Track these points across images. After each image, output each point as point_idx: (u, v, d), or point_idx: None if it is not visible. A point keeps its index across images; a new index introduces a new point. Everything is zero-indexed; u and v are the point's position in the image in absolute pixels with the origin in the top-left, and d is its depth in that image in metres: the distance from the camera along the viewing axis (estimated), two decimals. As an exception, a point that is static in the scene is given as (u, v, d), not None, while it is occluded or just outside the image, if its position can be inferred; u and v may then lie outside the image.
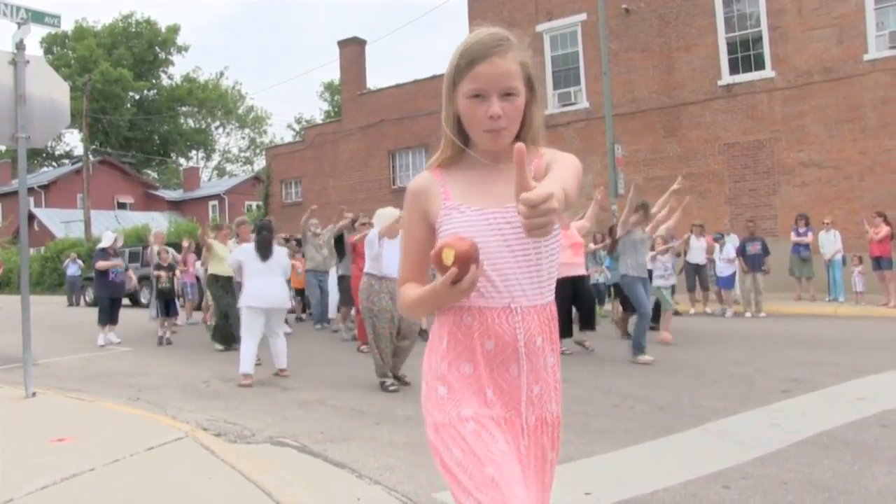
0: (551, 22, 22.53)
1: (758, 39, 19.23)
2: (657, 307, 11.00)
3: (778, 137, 18.71)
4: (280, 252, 8.75)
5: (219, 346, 11.30)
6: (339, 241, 12.68)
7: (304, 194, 27.39)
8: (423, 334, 10.82)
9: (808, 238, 15.89)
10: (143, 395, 7.69)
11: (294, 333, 12.65)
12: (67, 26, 58.55)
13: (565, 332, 9.90)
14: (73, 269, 26.58)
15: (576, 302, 10.15)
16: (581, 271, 10.19)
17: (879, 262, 14.57)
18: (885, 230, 14.52)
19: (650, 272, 10.38)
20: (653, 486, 4.30)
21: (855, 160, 17.67)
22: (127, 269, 13.30)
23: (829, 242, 15.84)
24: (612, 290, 13.91)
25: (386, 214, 7.94)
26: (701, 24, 19.94)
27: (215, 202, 51.41)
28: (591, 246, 13.34)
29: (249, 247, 8.60)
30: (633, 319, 11.09)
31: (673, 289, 11.34)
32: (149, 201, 53.29)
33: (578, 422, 6.02)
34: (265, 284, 8.31)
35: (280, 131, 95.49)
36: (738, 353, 9.59)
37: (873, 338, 10.83)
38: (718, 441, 5.32)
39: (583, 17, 21.80)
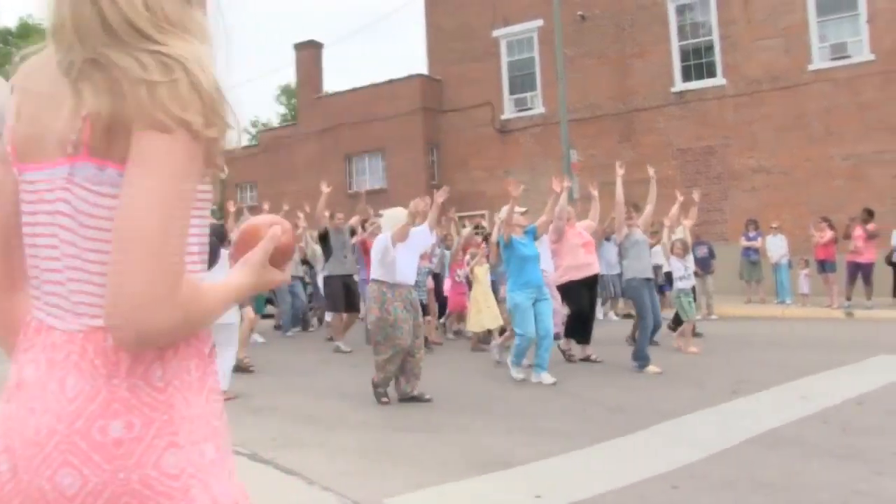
0: (508, 27, 22.69)
1: (709, 48, 19.61)
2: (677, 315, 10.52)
3: (728, 144, 19.09)
4: (227, 259, 8.08)
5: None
6: (323, 238, 11.66)
7: (259, 199, 27.12)
8: (429, 345, 10.39)
9: (758, 242, 16.21)
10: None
11: (267, 342, 12.43)
12: (10, 22, 57.34)
13: (587, 338, 9.57)
14: None
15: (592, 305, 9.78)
16: (596, 270, 9.70)
17: (824, 266, 14.94)
18: (829, 234, 14.90)
19: (669, 275, 10.13)
20: (603, 487, 4.38)
21: (801, 166, 18.09)
22: None
23: (777, 246, 16.20)
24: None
25: (396, 216, 7.41)
26: (655, 31, 20.26)
27: (169, 206, 50.79)
28: None
29: None
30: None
31: (693, 291, 10.68)
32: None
33: (530, 425, 6.10)
34: None
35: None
36: (687, 355, 9.76)
37: (817, 338, 11.12)
38: (668, 442, 5.44)
39: (539, 23, 21.98)
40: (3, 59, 53.46)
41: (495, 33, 22.84)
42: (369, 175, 24.57)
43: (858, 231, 14.36)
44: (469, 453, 5.25)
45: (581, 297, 9.39)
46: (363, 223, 11.56)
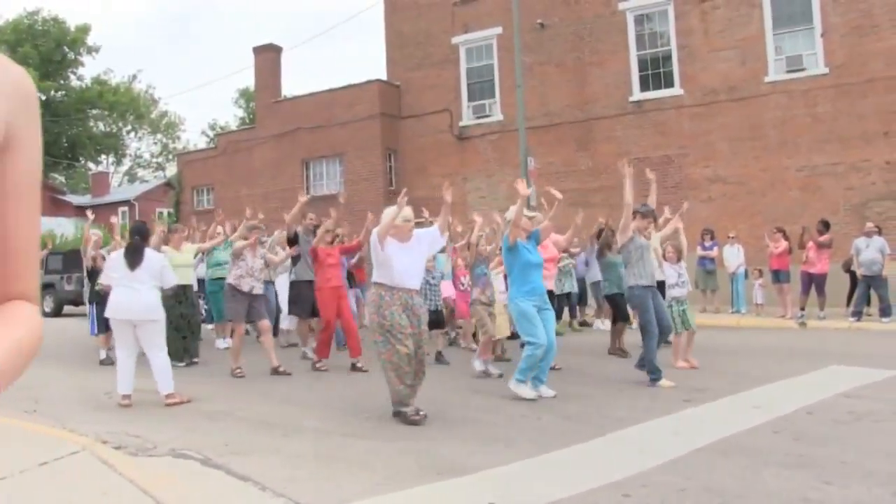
0: (467, 34, 22.72)
1: (667, 58, 19.82)
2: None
3: (686, 153, 19.30)
4: (153, 259, 7.76)
5: (179, 363, 9.73)
6: (292, 242, 11.01)
7: (217, 202, 26.83)
8: (441, 357, 10.14)
9: (714, 252, 16.39)
10: (39, 408, 7.37)
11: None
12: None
13: None
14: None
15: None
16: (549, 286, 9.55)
17: (778, 276, 15.16)
18: (783, 245, 15.12)
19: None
20: (556, 495, 4.36)
21: (757, 177, 18.37)
22: None
23: (733, 256, 16.39)
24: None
25: (389, 214, 6.84)
26: (614, 40, 20.43)
27: (125, 208, 49.89)
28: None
29: (120, 253, 7.81)
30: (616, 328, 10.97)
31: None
32: (55, 206, 51.28)
33: (485, 432, 6.07)
34: (129, 294, 7.39)
35: (194, 137, 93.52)
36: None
37: (771, 348, 11.26)
38: (621, 450, 5.44)
39: (498, 30, 22.05)
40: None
41: (455, 40, 22.87)
42: (327, 180, 24.41)
43: (811, 242, 14.58)
44: (423, 460, 5.20)
45: None
46: (314, 228, 11.14)
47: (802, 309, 14.58)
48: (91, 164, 66.05)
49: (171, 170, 61.24)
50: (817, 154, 17.69)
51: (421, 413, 6.48)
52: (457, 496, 4.46)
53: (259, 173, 25.63)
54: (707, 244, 16.45)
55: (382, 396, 7.47)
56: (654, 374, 8.16)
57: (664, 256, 9.73)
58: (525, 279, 7.65)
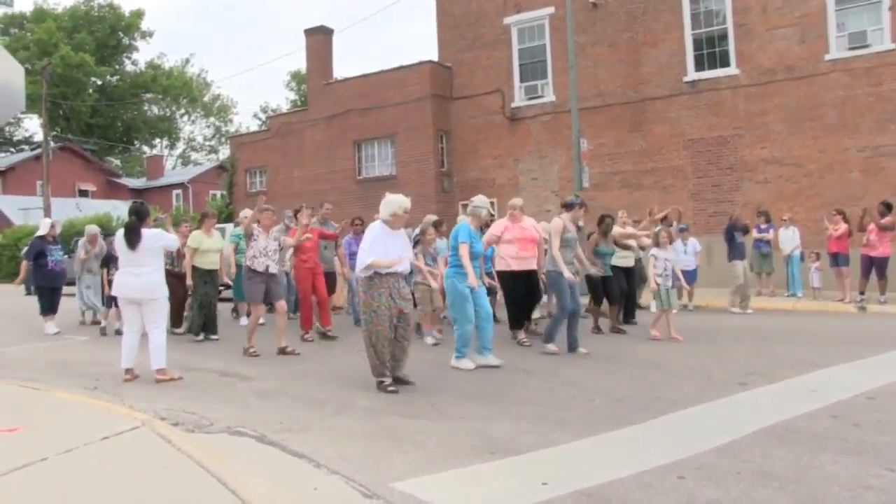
0: (519, 15, 22.53)
1: (723, 37, 19.40)
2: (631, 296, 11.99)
3: (741, 134, 18.93)
4: (153, 237, 7.84)
5: (196, 337, 11.21)
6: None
7: (269, 184, 27.14)
8: (419, 330, 10.70)
9: (769, 234, 16.12)
10: (100, 385, 7.57)
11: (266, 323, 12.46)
12: (26, 7, 57.43)
13: (520, 323, 10.38)
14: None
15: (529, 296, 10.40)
16: (532, 266, 10.20)
17: (837, 259, 14.82)
18: (843, 227, 14.77)
19: (629, 269, 11.03)
20: (608, 476, 4.34)
21: (815, 158, 17.94)
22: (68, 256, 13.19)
23: (789, 239, 16.10)
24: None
25: (391, 201, 7.36)
26: (668, 20, 20.08)
27: (179, 191, 50.80)
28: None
29: (121, 233, 7.94)
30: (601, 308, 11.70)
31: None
32: (111, 189, 52.45)
33: (536, 412, 6.05)
34: (133, 273, 7.68)
35: (246, 120, 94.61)
36: (698, 346, 9.70)
37: (828, 333, 11.02)
38: (675, 432, 5.38)
39: (551, 10, 21.82)
40: (18, 44, 53.64)
41: (506, 20, 22.70)
42: (378, 161, 24.49)
43: (872, 224, 14.20)
44: (475, 440, 5.21)
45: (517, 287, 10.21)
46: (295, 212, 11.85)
47: (862, 293, 14.22)
48: (145, 148, 67.33)
49: (224, 153, 62.19)
50: (880, 134, 17.18)
51: (391, 388, 7.04)
52: (509, 476, 4.45)
53: (311, 155, 25.82)
54: (762, 226, 16.16)
55: (434, 377, 7.53)
56: (547, 338, 9.27)
57: (657, 242, 10.97)
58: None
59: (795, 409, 5.90)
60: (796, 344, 9.78)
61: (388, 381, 7.13)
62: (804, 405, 6.07)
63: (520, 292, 10.24)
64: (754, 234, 16.06)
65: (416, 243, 10.51)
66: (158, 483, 4.24)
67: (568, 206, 9.65)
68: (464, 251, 8.40)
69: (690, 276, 14.93)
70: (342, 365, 8.74)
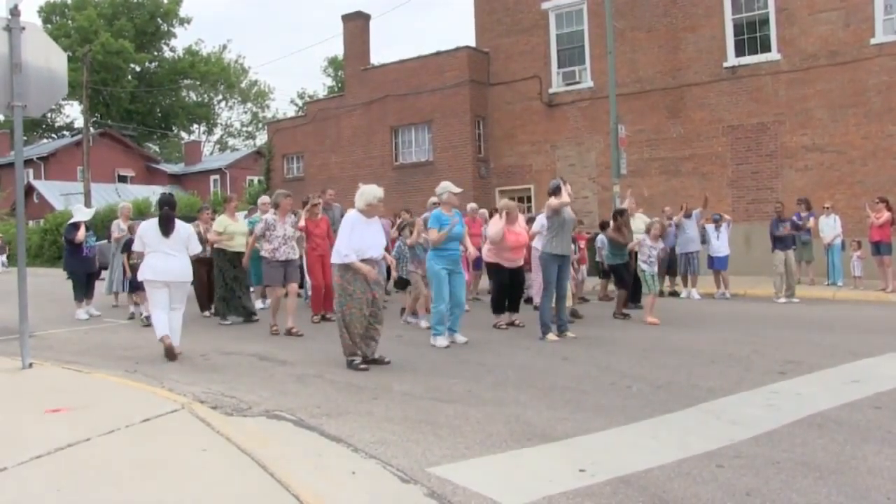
0: (557, 0, 22.35)
1: (764, 21, 19.06)
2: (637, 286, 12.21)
3: (782, 121, 18.61)
4: (184, 228, 8.42)
5: (224, 321, 11.37)
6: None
7: (306, 169, 27.29)
8: (415, 315, 10.95)
9: (810, 222, 15.87)
10: (140, 368, 7.70)
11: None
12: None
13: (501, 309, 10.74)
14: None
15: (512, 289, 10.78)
16: (519, 263, 10.76)
17: (879, 248, 14.55)
18: (886, 215, 14.49)
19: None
20: (647, 463, 4.33)
21: (858, 145, 17.59)
22: (104, 241, 13.48)
23: (829, 227, 15.83)
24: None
25: (367, 191, 7.85)
26: (707, 4, 19.75)
27: (217, 176, 51.26)
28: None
29: (153, 222, 8.35)
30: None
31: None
32: (150, 175, 53.11)
33: (574, 399, 6.05)
34: (165, 259, 8.12)
35: (283, 106, 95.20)
36: (735, 334, 9.60)
37: (870, 322, 10.85)
38: (714, 420, 5.34)
39: (588, -5, 21.63)
40: (60, 31, 54.44)
41: (544, 6, 22.51)
42: (415, 147, 24.48)
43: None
44: (513, 425, 5.22)
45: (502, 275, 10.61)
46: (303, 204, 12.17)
47: (905, 282, 13.98)
48: (184, 134, 67.97)
49: (261, 138, 62.57)
50: (926, 121, 16.80)
51: (362, 367, 7.50)
52: (547, 461, 4.46)
53: (348, 141, 25.89)
54: (802, 214, 15.90)
55: (472, 362, 7.54)
56: (544, 329, 9.40)
57: (649, 233, 11.53)
58: (445, 246, 9.04)
59: (836, 399, 5.83)
60: (836, 333, 9.64)
61: (358, 359, 7.58)
62: (845, 395, 5.99)
63: (505, 282, 10.61)
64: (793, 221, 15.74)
65: (401, 230, 11.49)
66: (199, 466, 4.31)
67: (555, 191, 9.69)
68: (433, 235, 9.06)
69: (721, 262, 14.82)
70: (379, 351, 8.77)
